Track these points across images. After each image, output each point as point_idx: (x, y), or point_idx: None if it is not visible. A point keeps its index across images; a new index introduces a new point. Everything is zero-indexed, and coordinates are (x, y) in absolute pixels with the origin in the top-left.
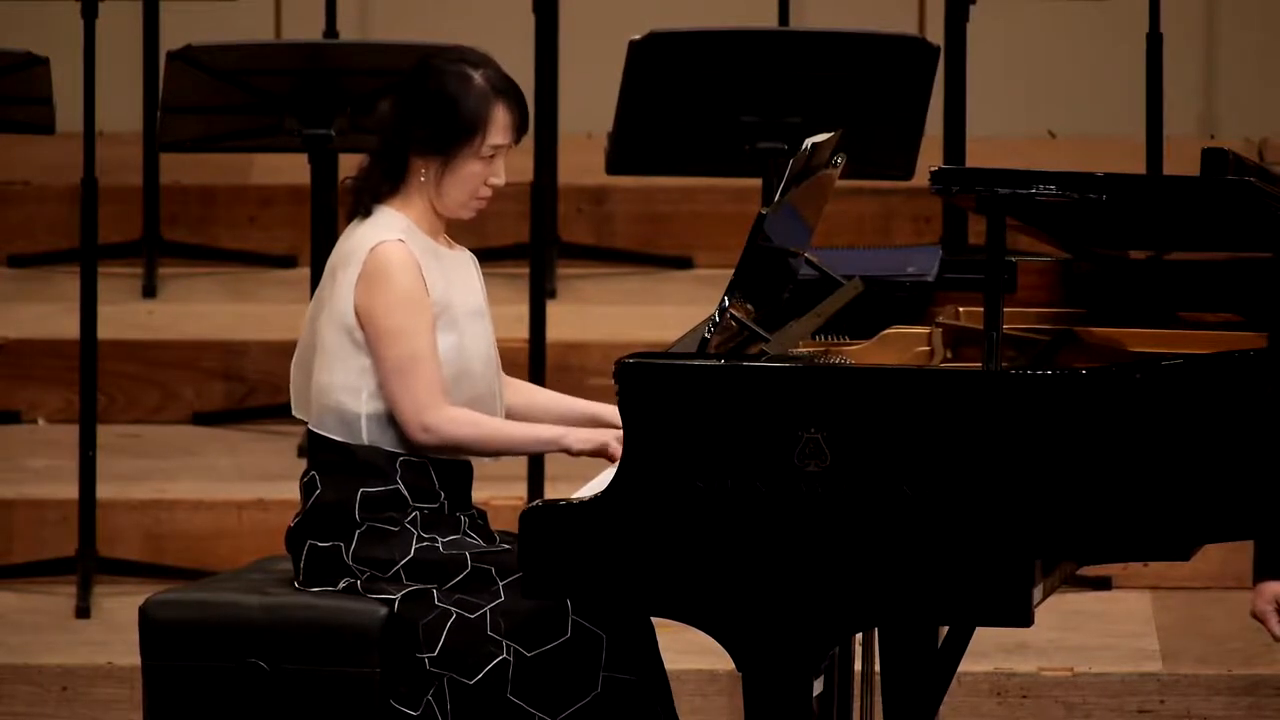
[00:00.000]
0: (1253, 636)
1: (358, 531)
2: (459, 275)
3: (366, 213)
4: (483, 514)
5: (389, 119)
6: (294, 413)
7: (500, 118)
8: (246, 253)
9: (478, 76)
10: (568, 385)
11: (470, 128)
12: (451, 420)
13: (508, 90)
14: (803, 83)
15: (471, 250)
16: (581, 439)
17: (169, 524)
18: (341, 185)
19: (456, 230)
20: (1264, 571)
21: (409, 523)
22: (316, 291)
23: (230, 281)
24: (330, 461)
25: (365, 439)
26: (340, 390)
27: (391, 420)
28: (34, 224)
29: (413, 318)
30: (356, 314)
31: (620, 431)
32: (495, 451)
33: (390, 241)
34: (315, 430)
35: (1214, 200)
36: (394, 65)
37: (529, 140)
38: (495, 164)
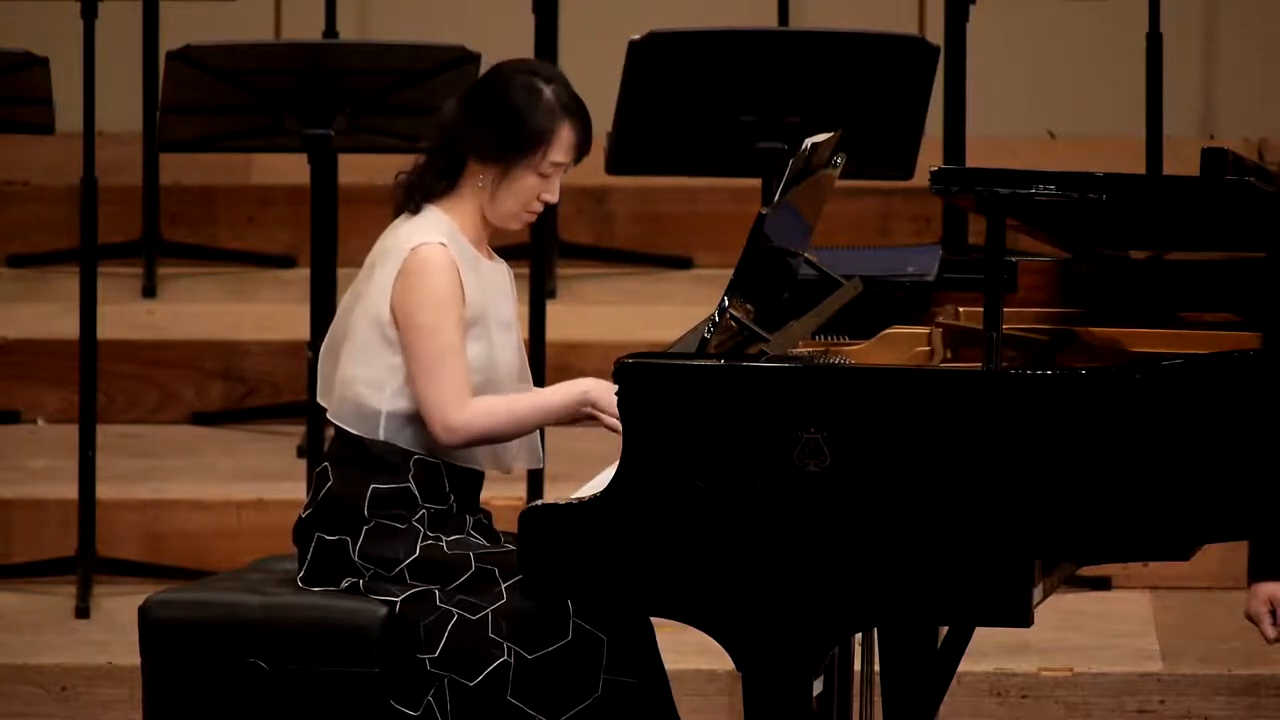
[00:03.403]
0: (1253, 636)
1: (365, 528)
2: (494, 286)
3: (415, 210)
4: (488, 515)
5: (452, 120)
6: (318, 399)
7: (565, 136)
8: (246, 253)
9: (548, 91)
10: None
11: (534, 142)
12: (474, 414)
13: (576, 109)
14: (802, 83)
15: None
16: (605, 394)
17: (168, 524)
18: (395, 180)
19: None
20: (1259, 572)
21: (416, 521)
22: (353, 283)
23: (230, 281)
24: (345, 455)
25: (382, 435)
26: (364, 384)
27: (410, 420)
28: (34, 224)
29: (445, 318)
30: (392, 311)
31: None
32: (524, 431)
33: (432, 244)
34: (333, 420)
35: (1214, 200)
36: (394, 65)
37: None
38: (552, 181)
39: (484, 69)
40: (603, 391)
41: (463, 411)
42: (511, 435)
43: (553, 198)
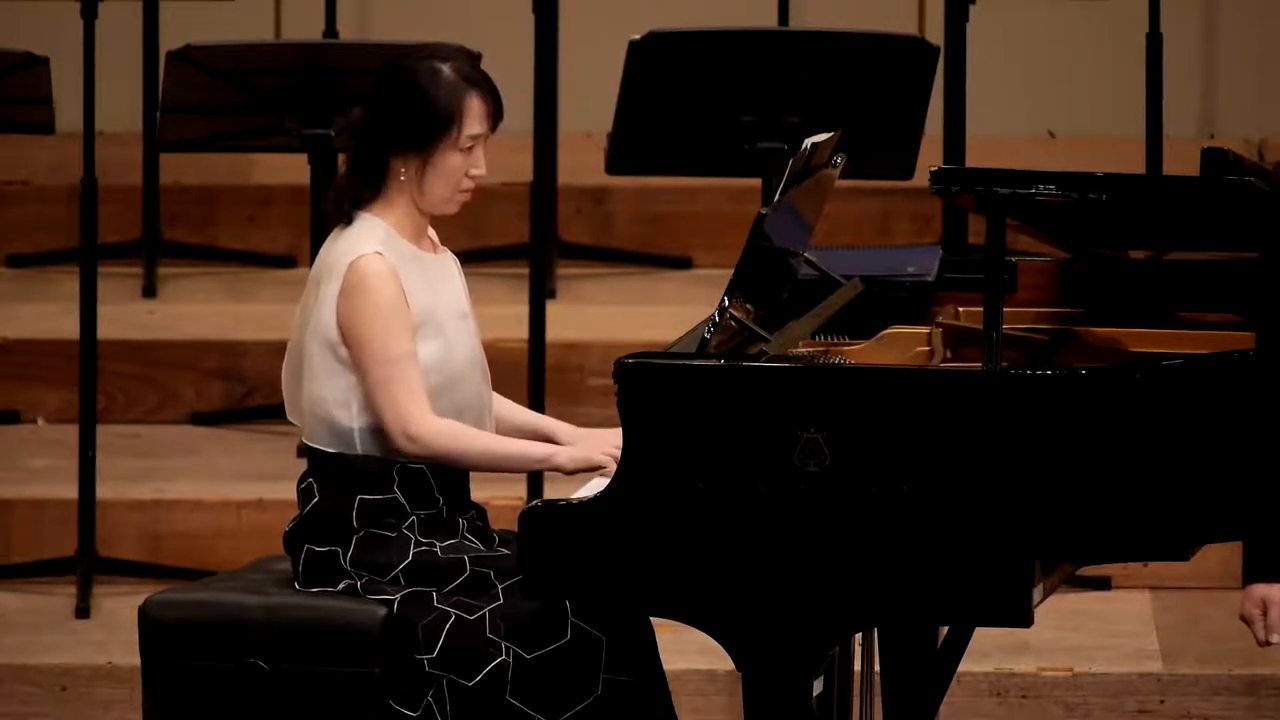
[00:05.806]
0: (1252, 637)
1: (355, 537)
2: (441, 280)
3: (348, 220)
4: (482, 513)
5: (363, 123)
6: (289, 417)
7: (474, 107)
8: (246, 253)
9: (446, 69)
10: (568, 385)
11: (446, 120)
12: (437, 433)
13: (478, 79)
14: (803, 83)
15: (471, 250)
16: (573, 458)
17: (168, 524)
18: (322, 196)
19: (454, 232)
20: (1253, 574)
21: (406, 528)
22: (302, 297)
23: (230, 281)
24: (327, 470)
25: (360, 450)
26: (331, 404)
27: (385, 431)
28: (34, 224)
29: (393, 329)
30: (340, 328)
31: (608, 445)
32: (482, 467)
33: (368, 255)
34: (308, 443)
35: (1214, 200)
36: None
37: (528, 140)
38: (474, 154)
39: (484, 69)
40: (568, 458)
41: (425, 423)
42: (472, 467)
43: (480, 171)
